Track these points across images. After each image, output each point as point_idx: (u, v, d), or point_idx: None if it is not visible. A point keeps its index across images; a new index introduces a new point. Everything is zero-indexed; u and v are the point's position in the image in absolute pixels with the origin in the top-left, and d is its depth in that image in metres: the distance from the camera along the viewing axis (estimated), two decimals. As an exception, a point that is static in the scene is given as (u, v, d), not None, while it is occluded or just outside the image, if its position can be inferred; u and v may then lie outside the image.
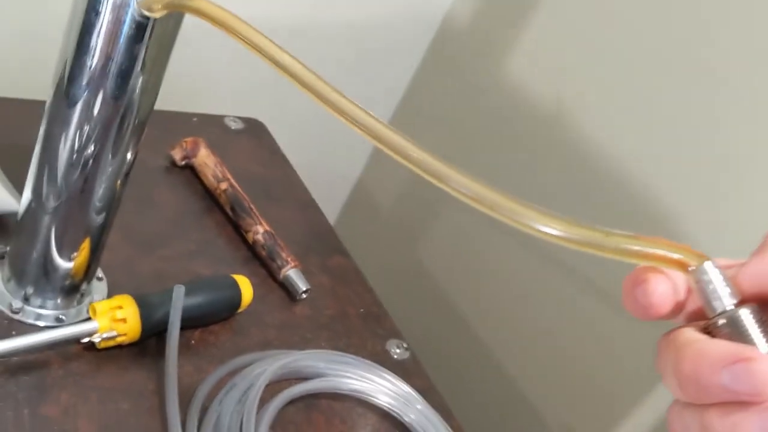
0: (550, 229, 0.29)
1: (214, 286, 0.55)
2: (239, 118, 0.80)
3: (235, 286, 0.56)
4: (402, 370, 0.62)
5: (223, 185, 0.66)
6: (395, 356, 0.63)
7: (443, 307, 1.03)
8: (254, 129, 0.80)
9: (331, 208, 1.18)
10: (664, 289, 0.28)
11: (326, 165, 1.10)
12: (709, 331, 0.28)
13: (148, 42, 0.41)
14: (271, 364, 0.52)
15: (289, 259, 0.63)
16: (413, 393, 0.55)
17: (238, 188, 0.66)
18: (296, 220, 0.71)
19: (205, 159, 0.68)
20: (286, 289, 0.63)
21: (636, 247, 0.28)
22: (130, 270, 0.58)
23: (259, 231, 0.64)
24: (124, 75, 0.42)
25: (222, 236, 0.65)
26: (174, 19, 0.41)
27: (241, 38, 0.37)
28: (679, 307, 0.29)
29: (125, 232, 0.61)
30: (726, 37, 0.75)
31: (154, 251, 0.61)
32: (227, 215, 0.66)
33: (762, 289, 0.27)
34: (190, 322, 0.54)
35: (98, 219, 0.49)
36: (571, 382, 0.88)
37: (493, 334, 0.97)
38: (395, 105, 1.09)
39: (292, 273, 0.62)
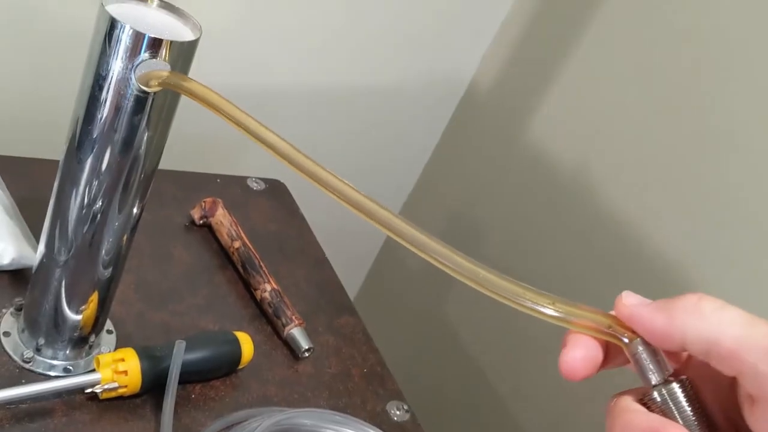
0: (500, 289, 0.31)
1: (215, 342, 0.57)
2: (261, 179, 0.83)
3: (236, 342, 0.58)
4: (400, 431, 0.62)
5: (237, 244, 0.69)
6: (395, 417, 0.63)
7: (467, 364, 1.03)
8: (275, 190, 0.83)
9: (360, 269, 1.20)
10: (579, 354, 0.30)
11: (357, 224, 1.13)
12: (644, 401, 0.30)
13: (149, 113, 0.44)
14: (265, 420, 0.54)
15: (293, 318, 0.64)
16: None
17: (251, 247, 0.69)
18: (308, 278, 0.73)
19: (222, 218, 0.71)
20: (290, 347, 0.64)
21: (574, 318, 0.30)
22: (140, 323, 0.61)
23: (266, 289, 0.66)
24: (128, 142, 0.45)
25: (232, 293, 0.68)
26: (172, 92, 0.44)
27: (232, 120, 0.39)
28: (601, 363, 0.31)
29: (139, 287, 0.64)
30: (750, 101, 0.76)
31: (165, 306, 0.63)
32: (239, 273, 0.69)
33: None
34: (190, 376, 0.56)
35: (106, 273, 0.52)
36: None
37: (516, 397, 0.96)
38: (421, 168, 1.11)
39: (296, 331, 0.64)
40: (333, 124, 1.01)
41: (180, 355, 0.54)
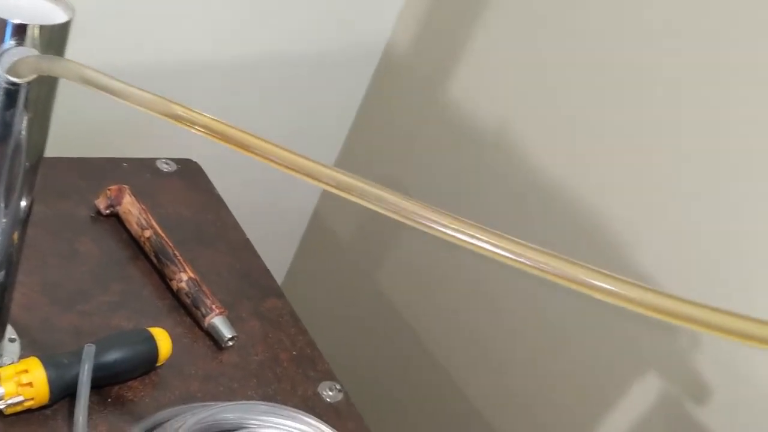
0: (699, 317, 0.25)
1: (127, 342, 0.54)
2: (172, 159, 0.79)
3: (151, 339, 0.55)
4: (334, 413, 0.61)
5: (148, 233, 0.65)
6: (327, 399, 0.61)
7: (403, 336, 1.02)
8: (188, 170, 0.79)
9: (290, 242, 1.17)
10: None
11: (282, 199, 1.10)
12: None
13: (23, 105, 0.40)
14: (188, 419, 0.51)
15: (213, 307, 0.61)
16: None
17: (163, 235, 0.65)
18: (229, 264, 0.70)
19: (130, 207, 0.67)
20: (213, 337, 0.61)
21: None
22: (47, 328, 0.57)
23: (183, 279, 0.63)
24: (2, 137, 0.41)
25: (147, 286, 0.64)
26: (49, 80, 0.40)
27: (121, 97, 0.36)
28: None
29: (45, 289, 0.60)
30: (674, 57, 0.75)
31: (73, 307, 0.59)
32: (152, 263, 0.65)
33: None
34: (104, 380, 0.53)
35: (-3, 279, 0.48)
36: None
37: (452, 364, 0.96)
38: (344, 135, 1.08)
39: (217, 320, 0.61)
40: (246, 96, 0.97)
41: (89, 360, 0.50)
